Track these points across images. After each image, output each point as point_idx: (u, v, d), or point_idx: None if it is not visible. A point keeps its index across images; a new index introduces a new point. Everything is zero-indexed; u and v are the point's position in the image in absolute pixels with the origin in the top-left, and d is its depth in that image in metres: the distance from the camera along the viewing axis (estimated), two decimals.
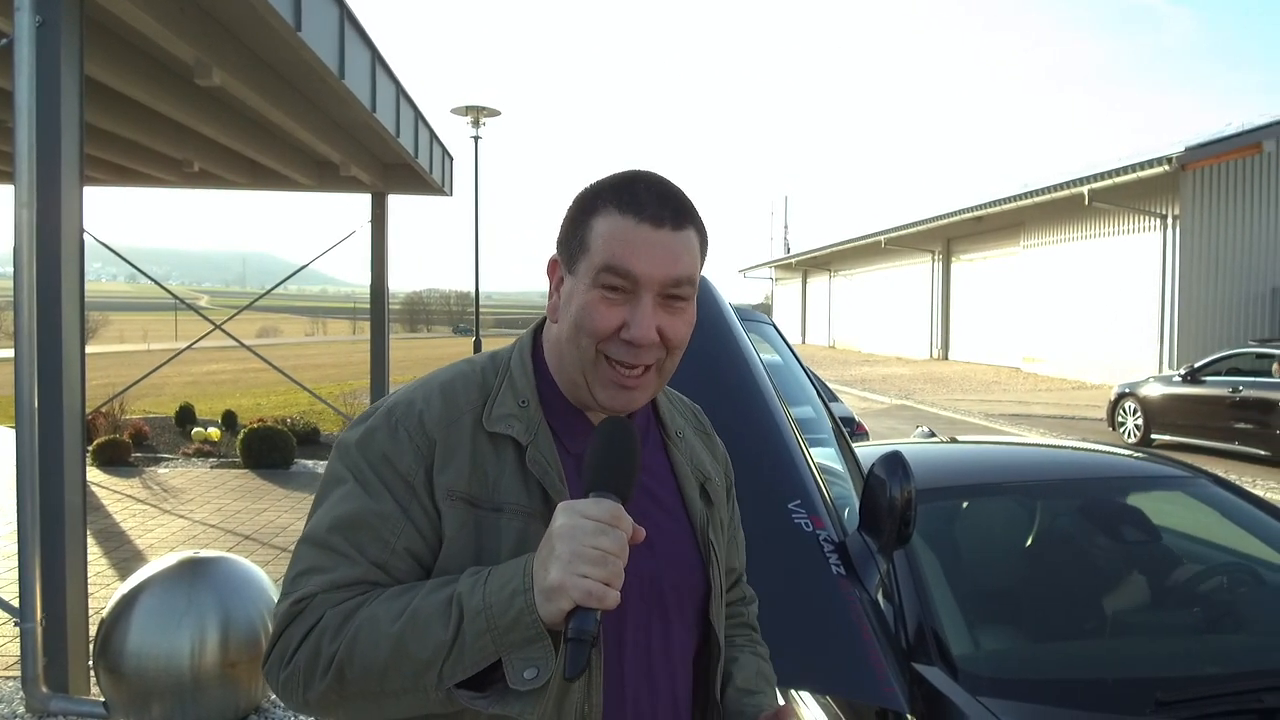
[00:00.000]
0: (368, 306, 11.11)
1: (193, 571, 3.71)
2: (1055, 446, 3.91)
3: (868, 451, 3.62)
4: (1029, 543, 2.90)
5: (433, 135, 8.94)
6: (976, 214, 23.58)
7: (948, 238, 27.03)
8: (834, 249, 35.52)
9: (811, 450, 2.56)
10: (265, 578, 3.97)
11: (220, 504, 8.20)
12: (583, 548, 0.90)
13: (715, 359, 2.76)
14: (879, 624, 2.09)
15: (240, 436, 10.19)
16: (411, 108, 7.78)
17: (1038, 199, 20.03)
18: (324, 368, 27.79)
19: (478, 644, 0.92)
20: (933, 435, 4.22)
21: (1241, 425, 10.34)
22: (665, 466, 1.19)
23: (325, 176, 9.26)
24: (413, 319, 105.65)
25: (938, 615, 2.40)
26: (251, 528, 7.32)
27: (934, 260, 27.98)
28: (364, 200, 10.09)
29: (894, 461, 1.99)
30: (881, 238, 28.76)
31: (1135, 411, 11.91)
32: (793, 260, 42.25)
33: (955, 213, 25.29)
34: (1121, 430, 12.16)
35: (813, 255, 39.21)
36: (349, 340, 62.10)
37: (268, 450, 9.84)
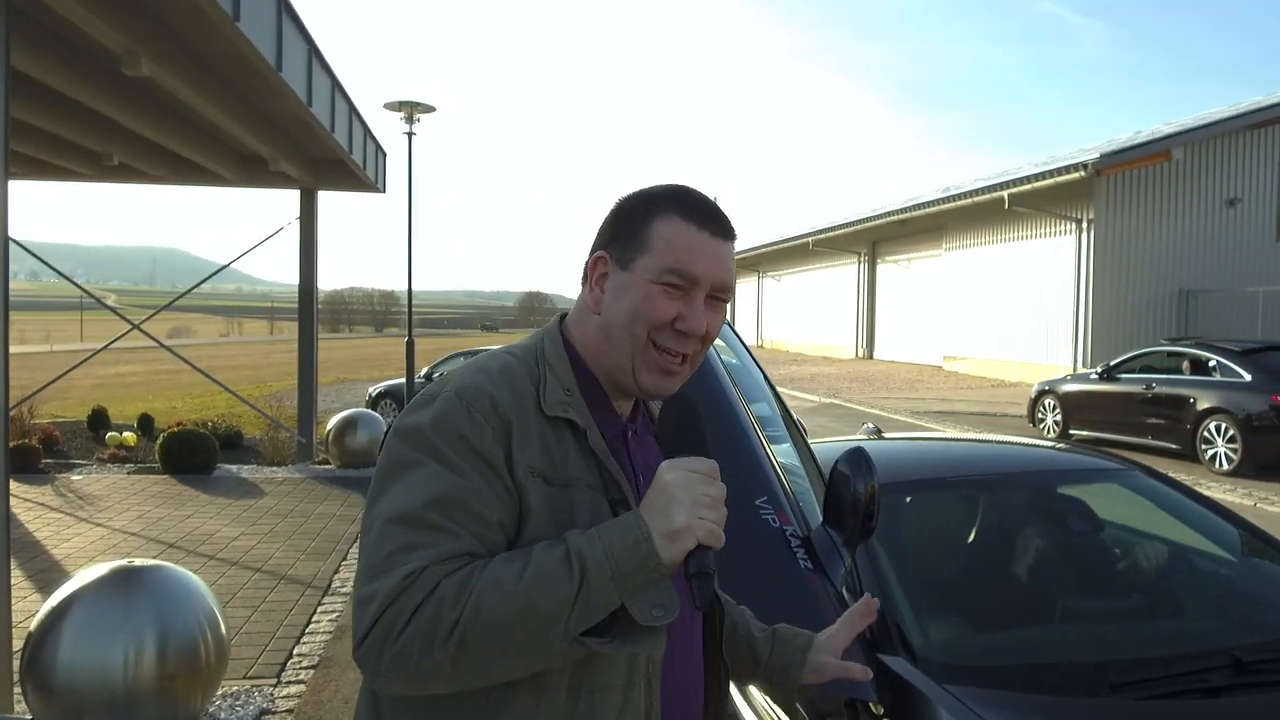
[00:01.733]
0: (286, 306, 10.86)
1: (127, 582, 3.56)
2: (996, 442, 4.01)
3: (817, 449, 3.67)
4: (978, 535, 2.99)
5: (367, 131, 8.76)
6: (901, 217, 24.17)
7: (873, 240, 27.63)
8: (763, 250, 35.98)
9: (772, 447, 2.60)
10: (204, 587, 3.83)
11: (141, 511, 7.89)
12: (700, 494, 1.04)
13: None
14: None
15: (159, 441, 9.83)
16: (346, 102, 7.61)
17: (960, 203, 20.63)
18: (241, 369, 26.96)
19: (604, 591, 1.01)
20: (878, 432, 4.29)
21: (1154, 420, 10.81)
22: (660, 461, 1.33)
23: (252, 171, 8.99)
24: (334, 318, 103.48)
25: (898, 606, 2.45)
26: (176, 535, 7.06)
27: (860, 262, 28.57)
28: (286, 196, 9.83)
29: (857, 457, 2.04)
30: (809, 239, 29.25)
31: (1054, 408, 12.35)
32: None
33: (880, 215, 25.87)
34: (1041, 426, 12.60)
35: (742, 256, 39.57)
36: (266, 341, 60.49)
37: (188, 454, 9.51)
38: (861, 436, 4.26)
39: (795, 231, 34.24)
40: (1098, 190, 18.00)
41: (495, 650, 1.01)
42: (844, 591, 2.23)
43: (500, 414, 1.13)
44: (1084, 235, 18.37)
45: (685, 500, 1.04)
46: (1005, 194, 18.74)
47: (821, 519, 2.20)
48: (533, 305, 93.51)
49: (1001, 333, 20.97)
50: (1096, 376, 11.82)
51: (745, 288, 40.32)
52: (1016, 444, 3.79)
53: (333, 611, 5.44)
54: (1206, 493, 11.41)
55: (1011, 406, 16.10)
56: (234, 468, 10.03)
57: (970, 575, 2.81)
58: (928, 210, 22.42)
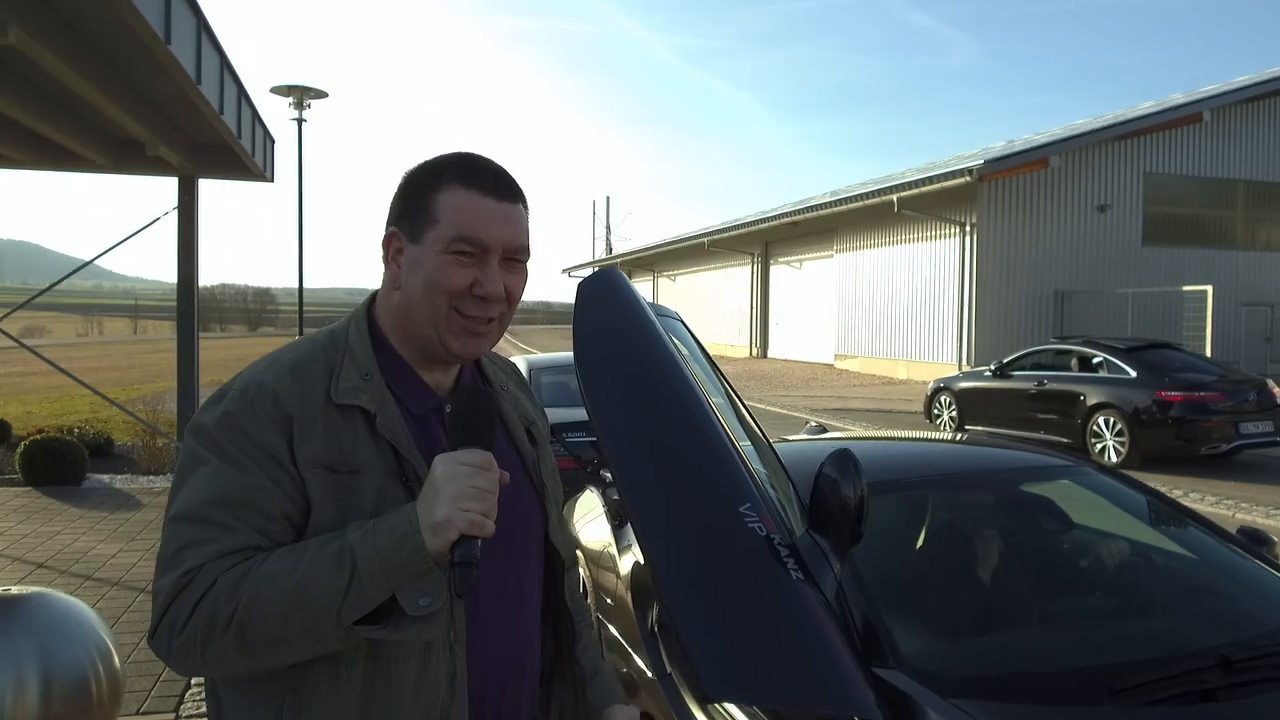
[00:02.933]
0: (151, 304, 10.07)
1: (4, 613, 3.10)
2: (945, 441, 3.96)
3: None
4: (954, 538, 2.89)
5: (255, 114, 8.18)
6: (793, 219, 24.59)
7: (766, 241, 28.05)
8: (659, 250, 36.09)
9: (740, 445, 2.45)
10: (94, 615, 3.39)
11: (2, 528, 7.13)
12: (464, 487, 1.07)
13: (639, 357, 2.56)
14: (842, 629, 2.00)
15: (19, 450, 8.95)
16: (236, 83, 7.06)
17: (851, 205, 21.11)
18: (103, 371, 25.14)
19: (374, 584, 1.06)
20: (823, 431, 4.18)
21: (1046, 416, 11.23)
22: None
23: (126, 156, 8.27)
24: (204, 316, 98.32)
25: (884, 616, 2.34)
26: (45, 554, 6.39)
27: (753, 262, 28.97)
28: (151, 185, 9.11)
29: (845, 460, 1.93)
30: (705, 239, 29.49)
31: (950, 404, 12.71)
32: (618, 260, 42.60)
33: (773, 217, 26.28)
34: (938, 421, 12.95)
35: (638, 255, 39.66)
36: (130, 341, 56.94)
37: (54, 464, 8.71)
38: (805, 437, 4.16)
39: (690, 231, 34.48)
40: (980, 195, 18.72)
41: (274, 639, 1.07)
42: (832, 601, 2.10)
43: (282, 408, 1.15)
44: (967, 238, 19.08)
45: (448, 493, 1.07)
46: (895, 197, 19.26)
47: (805, 525, 2.05)
48: None
49: (890, 332, 21.58)
50: (990, 374, 12.21)
51: (641, 287, 40.21)
52: (967, 443, 3.74)
53: None
54: None
55: (904, 403, 16.55)
56: (106, 478, 9.24)
57: (952, 580, 2.71)
58: (820, 212, 22.88)
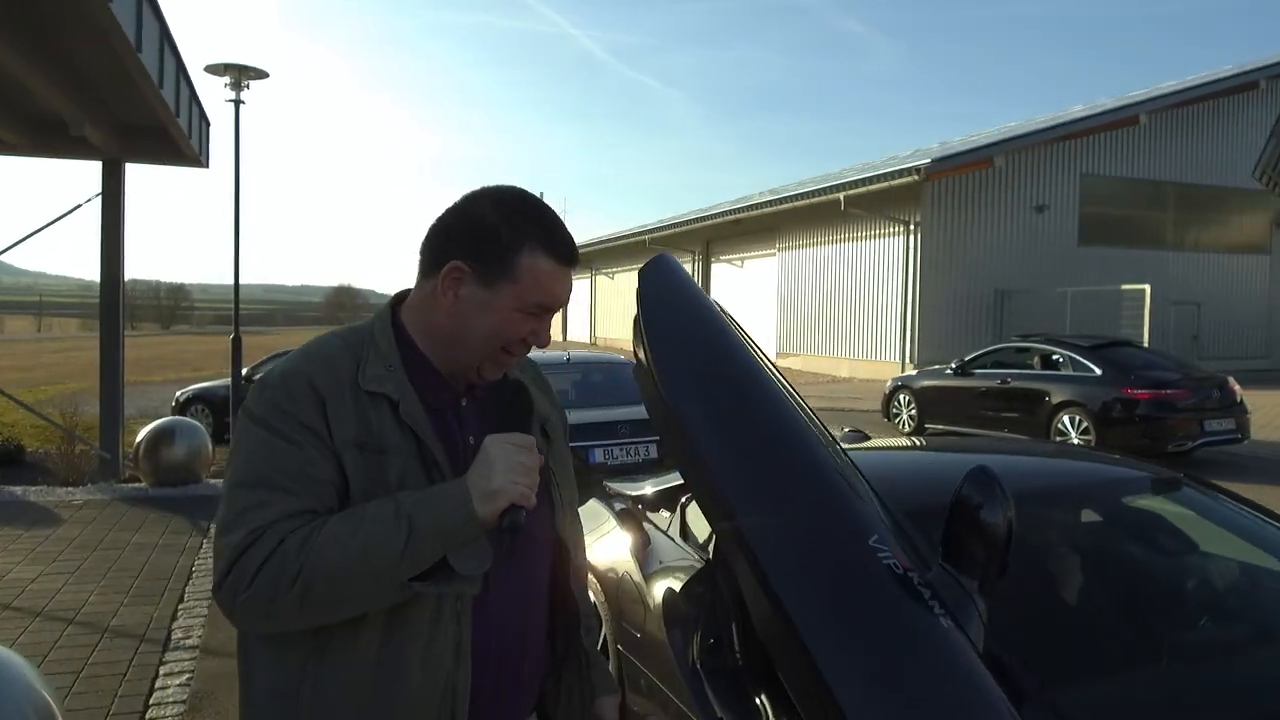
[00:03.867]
0: (56, 300, 9.24)
1: None
2: (1008, 450, 3.62)
3: None
4: (1070, 563, 2.55)
5: (193, 93, 7.50)
6: (735, 217, 24.43)
7: (708, 239, 27.86)
8: (597, 247, 35.65)
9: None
10: (23, 664, 2.82)
11: None
12: (514, 462, 1.23)
13: (716, 357, 2.20)
14: (1000, 682, 1.67)
15: None
16: (175, 55, 6.40)
17: (796, 204, 21.03)
18: (5, 371, 23.50)
19: (430, 546, 1.21)
20: (864, 437, 3.81)
21: (1009, 414, 11.18)
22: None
23: (46, 137, 7.50)
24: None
25: (1026, 656, 2.01)
26: None
27: (695, 260, 28.75)
28: (69, 170, 8.34)
29: (987, 480, 1.65)
30: (646, 237, 29.17)
31: (910, 403, 12.60)
32: None
33: (715, 215, 26.09)
34: (897, 421, 12.84)
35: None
36: (34, 339, 53.91)
37: None
38: (850, 446, 3.79)
39: (630, 228, 34.12)
40: (924, 194, 18.80)
41: (336, 595, 1.20)
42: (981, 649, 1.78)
43: (318, 392, 1.27)
44: (912, 237, 19.15)
45: (502, 467, 1.22)
46: (841, 195, 19.23)
47: (938, 556, 1.73)
48: (341, 301, 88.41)
49: (833, 331, 21.57)
50: (952, 372, 12.13)
51: (579, 285, 39.87)
52: (1041, 449, 3.41)
53: (181, 672, 4.40)
54: None
55: (854, 401, 16.46)
56: (18, 489, 8.38)
57: (1085, 613, 2.37)
58: (763, 210, 22.76)
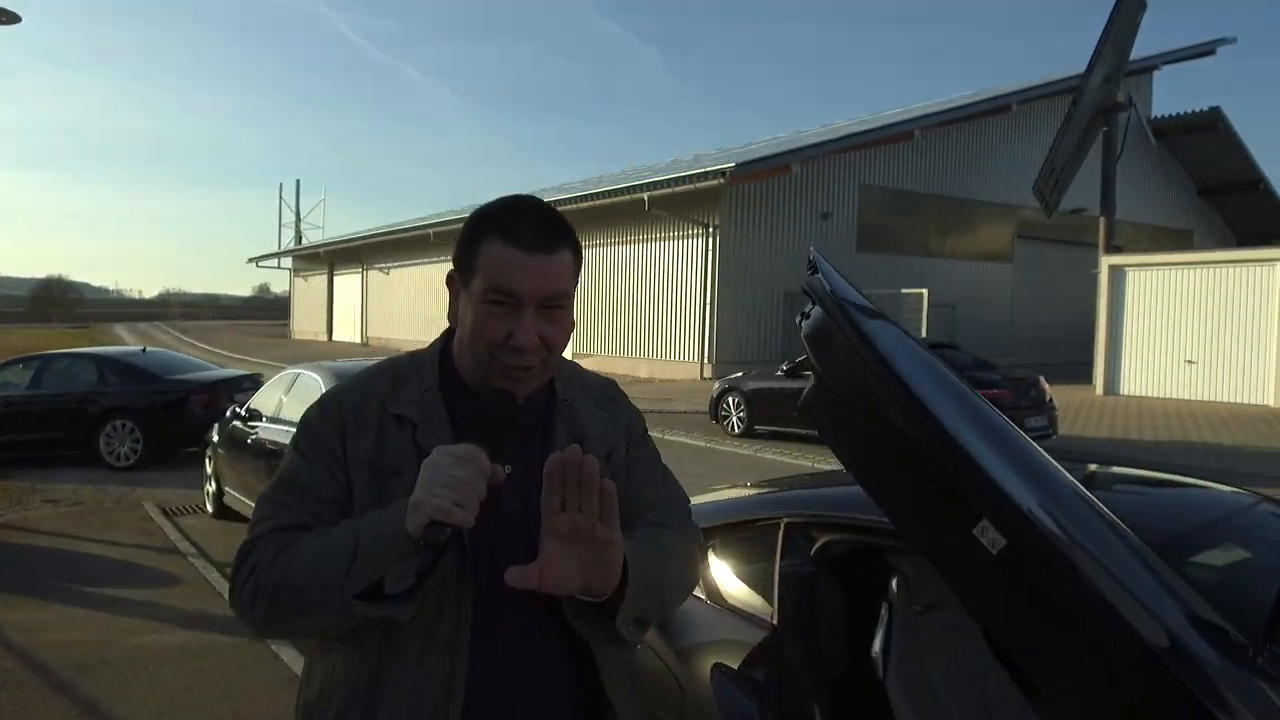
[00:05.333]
0: None
1: None
2: (1149, 480, 3.29)
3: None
4: None
5: None
6: None
7: None
8: (370, 240, 33.61)
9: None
10: None
11: None
12: (439, 474, 1.14)
13: (942, 374, 2.02)
14: None
15: None
16: None
17: (597, 202, 20.82)
18: None
19: (370, 561, 1.17)
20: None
21: None
22: (542, 430, 1.39)
23: None
24: None
25: None
26: None
27: None
28: None
29: None
30: (430, 230, 27.74)
31: (739, 405, 12.71)
32: (320, 250, 39.08)
33: None
34: (726, 423, 12.91)
35: (343, 246, 36.70)
36: None
37: None
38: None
39: (412, 220, 32.39)
40: (724, 198, 19.23)
41: (299, 604, 1.20)
42: None
43: (342, 412, 1.33)
44: (711, 240, 19.53)
45: (425, 478, 1.15)
46: (646, 196, 19.25)
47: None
48: (52, 295, 77.74)
49: (632, 331, 21.60)
50: (782, 374, 12.35)
51: (348, 282, 37.41)
52: (1169, 480, 3.16)
53: None
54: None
55: (665, 403, 16.51)
56: None
57: None
58: (568, 208, 22.35)
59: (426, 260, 29.96)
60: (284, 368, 8.40)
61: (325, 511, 1.27)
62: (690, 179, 18.58)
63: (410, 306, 31.88)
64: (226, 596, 1.34)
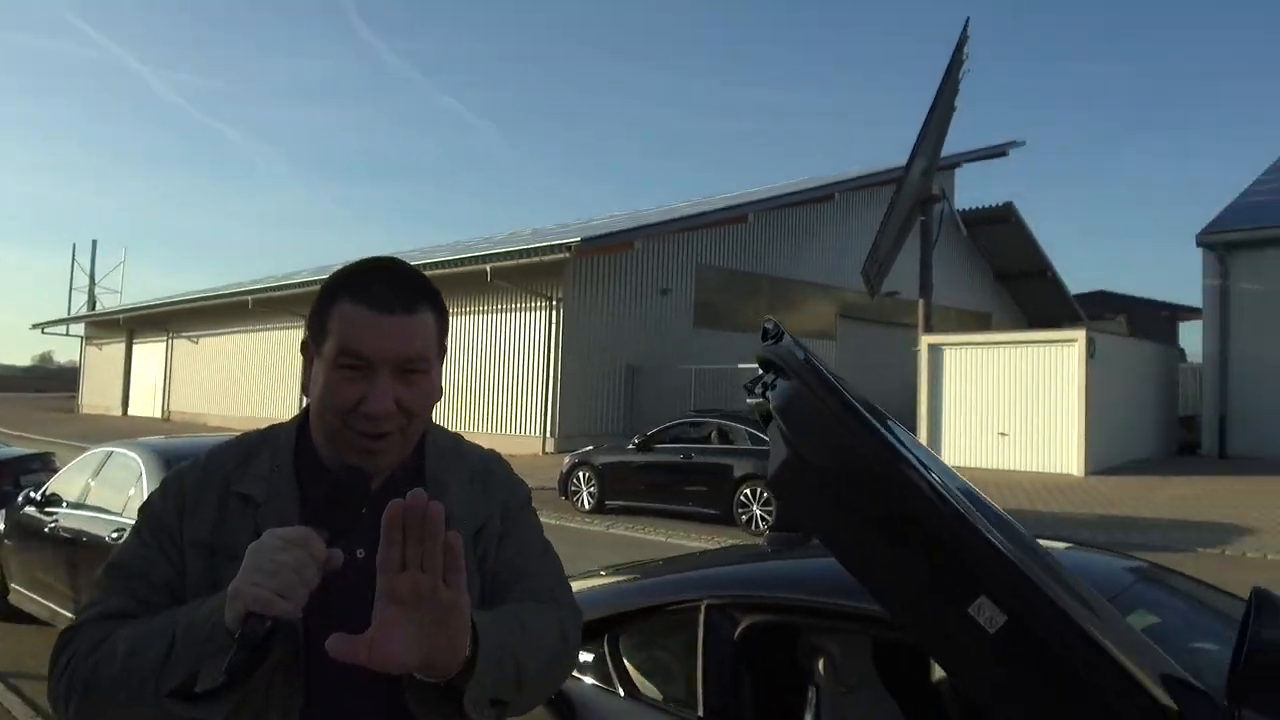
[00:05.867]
0: None
1: None
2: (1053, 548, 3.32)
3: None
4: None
5: None
6: None
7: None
8: (177, 306, 31.22)
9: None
10: None
11: None
12: (262, 560, 1.03)
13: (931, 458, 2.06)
14: None
15: None
16: None
17: (439, 271, 20.30)
18: None
19: (185, 655, 1.06)
20: (795, 541, 3.32)
21: (694, 488, 11.45)
22: None
23: None
24: None
25: None
26: None
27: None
28: None
29: (1273, 606, 1.79)
30: (249, 297, 26.04)
31: (590, 480, 12.41)
32: (119, 316, 35.87)
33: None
34: (576, 499, 12.55)
35: (146, 312, 33.88)
36: None
37: None
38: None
39: (229, 286, 30.38)
40: (568, 271, 19.21)
41: (110, 703, 1.11)
42: None
43: (184, 490, 1.25)
44: (555, 312, 19.40)
45: (247, 564, 1.04)
46: (489, 267, 18.95)
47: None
48: None
49: (473, 404, 20.96)
50: (634, 447, 12.18)
51: (150, 351, 34.46)
52: (1069, 547, 3.18)
53: None
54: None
55: None
56: None
57: None
58: None
59: (244, 329, 28.06)
60: (79, 445, 7.44)
61: (156, 597, 1.18)
62: (535, 251, 18.47)
63: (222, 379, 29.65)
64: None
